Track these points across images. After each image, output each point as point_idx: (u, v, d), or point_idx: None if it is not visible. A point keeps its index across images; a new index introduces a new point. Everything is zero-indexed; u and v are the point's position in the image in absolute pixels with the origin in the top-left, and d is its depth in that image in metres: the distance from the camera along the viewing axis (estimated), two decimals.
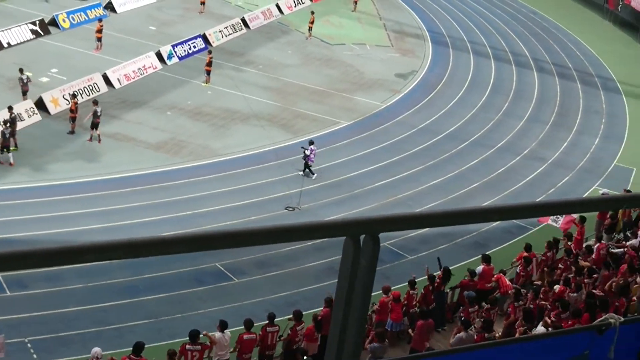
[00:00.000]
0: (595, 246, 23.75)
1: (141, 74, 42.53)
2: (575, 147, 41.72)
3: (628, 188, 30.77)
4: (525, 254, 23.66)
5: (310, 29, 51.75)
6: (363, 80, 46.89)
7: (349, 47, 51.71)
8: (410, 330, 20.77)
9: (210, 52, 43.77)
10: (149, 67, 43.25)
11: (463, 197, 34.96)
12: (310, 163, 34.51)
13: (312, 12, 52.44)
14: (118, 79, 41.18)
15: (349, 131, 40.03)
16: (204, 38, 47.78)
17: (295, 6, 57.20)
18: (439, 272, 22.38)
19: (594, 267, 21.84)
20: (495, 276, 22.66)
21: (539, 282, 22.47)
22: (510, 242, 30.98)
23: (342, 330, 2.81)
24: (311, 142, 34.86)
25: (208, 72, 42.68)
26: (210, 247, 2.56)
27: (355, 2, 59.02)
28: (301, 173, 34.51)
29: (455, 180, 36.45)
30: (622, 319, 3.42)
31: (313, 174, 34.65)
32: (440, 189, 35.47)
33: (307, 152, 34.24)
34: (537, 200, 34.94)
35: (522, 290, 21.44)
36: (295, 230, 2.65)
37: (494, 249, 29.53)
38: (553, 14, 64.86)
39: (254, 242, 2.56)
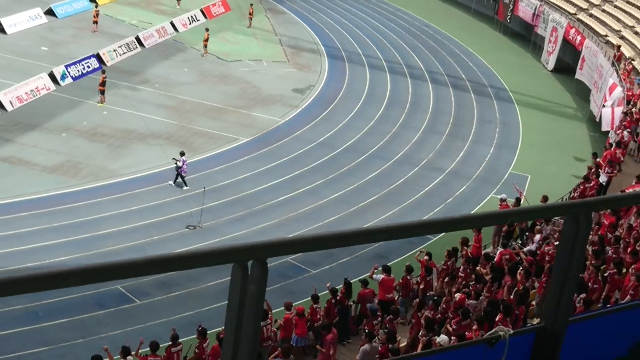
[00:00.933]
0: (498, 251, 24.21)
1: (34, 96, 41.62)
2: (471, 156, 42.49)
3: (520, 197, 31.39)
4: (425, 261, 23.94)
5: (205, 46, 51.52)
6: (261, 96, 46.90)
7: (245, 64, 51.67)
8: (318, 346, 20.76)
9: (104, 72, 43.17)
10: (42, 89, 42.37)
11: (363, 209, 35.23)
12: (183, 174, 34.58)
13: (207, 29, 52.25)
14: (10, 101, 40.22)
15: (248, 147, 39.95)
16: (98, 57, 47.09)
17: (189, 24, 56.90)
18: (342, 287, 22.49)
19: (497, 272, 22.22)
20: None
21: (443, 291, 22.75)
22: (411, 252, 31.25)
23: (234, 359, 2.77)
24: (182, 153, 34.98)
25: (102, 92, 42.08)
26: (87, 281, 2.50)
27: (251, 19, 59.04)
28: (171, 183, 34.68)
29: (355, 192, 36.71)
30: (512, 331, 3.47)
31: (186, 185, 34.65)
32: (341, 202, 35.68)
33: (179, 164, 34.37)
34: (434, 211, 35.49)
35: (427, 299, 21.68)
36: (180, 259, 2.61)
37: (395, 260, 29.78)
38: (445, 26, 66.03)
39: (136, 274, 2.51)
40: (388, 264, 24.52)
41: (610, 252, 21.81)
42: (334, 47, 57.46)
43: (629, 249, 21.54)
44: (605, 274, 20.24)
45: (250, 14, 59.15)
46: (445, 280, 23.04)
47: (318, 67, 53.24)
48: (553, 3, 60.73)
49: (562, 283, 3.56)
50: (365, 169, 39.29)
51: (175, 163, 34.58)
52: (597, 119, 44.50)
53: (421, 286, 23.49)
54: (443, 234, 31.20)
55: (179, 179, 34.80)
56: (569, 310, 3.64)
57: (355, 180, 37.91)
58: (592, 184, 31.48)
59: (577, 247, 3.53)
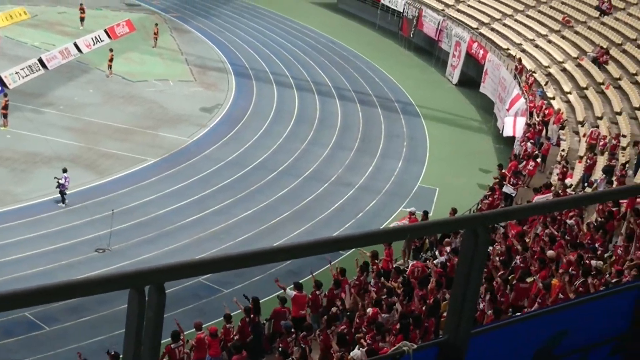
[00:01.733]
0: (410, 263, 24.42)
1: None
2: (380, 171, 42.86)
3: (429, 211, 31.83)
4: (341, 278, 23.96)
5: (110, 66, 50.93)
6: (168, 116, 46.54)
7: (151, 83, 51.23)
8: None
9: (6, 95, 42.30)
10: None
11: (274, 227, 35.21)
12: (64, 190, 34.25)
13: (111, 50, 51.67)
14: None
15: (156, 168, 39.57)
16: (0, 80, 46.10)
17: (94, 44, 56.15)
18: (250, 305, 22.34)
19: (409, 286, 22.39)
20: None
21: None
22: (324, 267, 31.28)
23: None
24: (64, 170, 34.54)
25: (5, 116, 41.23)
26: None
27: (156, 38, 58.56)
28: (62, 205, 34.30)
29: (266, 210, 36.67)
30: (415, 346, 3.49)
31: (64, 202, 34.22)
32: (252, 220, 35.60)
33: (62, 181, 33.99)
34: (345, 226, 35.68)
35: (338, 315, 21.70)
36: (74, 287, 2.55)
37: (308, 276, 29.74)
38: (351, 43, 66.55)
39: (32, 303, 2.45)
40: (300, 281, 24.51)
41: (518, 261, 22.21)
42: (240, 65, 57.41)
43: (535, 258, 21.97)
44: (513, 283, 20.60)
45: (155, 33, 58.70)
46: (359, 294, 23.11)
47: (225, 85, 53.09)
48: (456, 18, 61.81)
49: (463, 296, 3.60)
50: (275, 186, 39.29)
51: (57, 181, 34.08)
52: (501, 129, 45.35)
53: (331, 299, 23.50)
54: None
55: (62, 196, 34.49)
56: (471, 322, 3.68)
57: (266, 198, 37.88)
58: (496, 196, 32.09)
59: (476, 260, 3.57)
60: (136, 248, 31.93)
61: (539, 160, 36.79)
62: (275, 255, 3.04)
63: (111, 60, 50.82)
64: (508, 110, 42.88)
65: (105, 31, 58.51)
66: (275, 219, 35.90)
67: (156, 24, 59.92)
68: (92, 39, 56.50)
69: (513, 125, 42.12)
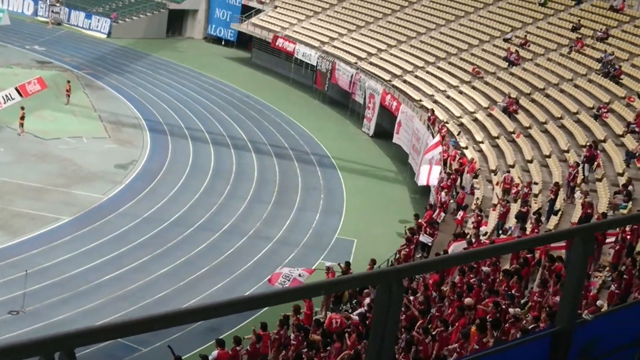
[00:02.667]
0: (328, 315, 24.38)
1: None
2: (298, 223, 42.90)
3: (349, 260, 31.88)
4: (262, 332, 23.80)
5: (21, 124, 50.15)
6: (82, 173, 45.95)
7: (64, 141, 50.58)
8: None
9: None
10: None
11: (193, 282, 34.86)
12: None
13: (22, 108, 50.90)
14: None
15: (70, 227, 38.92)
16: None
17: (4, 102, 55.09)
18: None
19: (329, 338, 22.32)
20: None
21: None
22: (244, 322, 31.08)
23: None
24: None
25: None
26: None
27: (68, 95, 57.96)
28: None
29: (184, 266, 36.32)
30: None
31: None
32: (170, 276, 35.20)
33: None
34: (264, 280, 35.49)
35: None
36: None
37: (228, 332, 29.49)
38: (266, 96, 66.89)
39: None
40: (221, 337, 24.27)
41: (434, 310, 22.36)
42: (155, 121, 57.12)
43: (454, 306, 22.14)
44: (434, 332, 20.70)
45: (67, 90, 58.11)
46: (280, 349, 22.98)
47: (140, 141, 52.73)
48: (368, 71, 62.67)
49: (379, 349, 3.61)
50: (192, 241, 38.98)
51: None
52: (416, 177, 45.86)
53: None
54: None
55: None
56: None
57: (183, 253, 37.53)
58: (412, 246, 32.37)
59: (391, 313, 3.59)
60: (51, 309, 31.23)
61: (466, 210, 37.22)
62: (186, 317, 3.01)
63: (22, 118, 50.06)
64: (425, 154, 43.33)
65: (16, 89, 57.51)
66: (193, 275, 35.56)
67: (68, 81, 59.35)
68: (2, 96, 55.51)
69: (428, 174, 42.64)
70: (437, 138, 44.09)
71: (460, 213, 36.34)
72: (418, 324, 21.09)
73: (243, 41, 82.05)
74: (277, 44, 73.44)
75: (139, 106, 60.21)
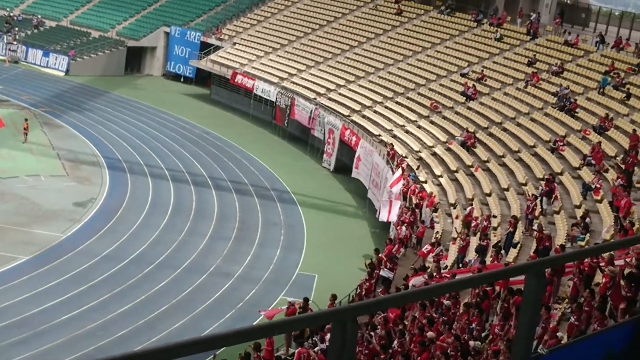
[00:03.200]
0: (296, 352, 24.35)
1: None
2: (259, 259, 42.79)
3: (310, 297, 31.83)
4: None
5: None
6: (40, 212, 45.55)
7: (22, 180, 50.15)
8: None
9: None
10: None
11: (153, 321, 34.59)
12: None
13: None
14: None
15: (29, 266, 38.49)
16: None
17: None
18: None
19: None
20: None
21: None
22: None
23: None
24: None
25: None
26: None
27: (26, 134, 57.56)
28: None
29: (145, 304, 36.04)
30: None
31: None
32: (130, 314, 34.90)
33: None
34: (225, 317, 35.35)
35: None
36: None
37: None
38: (225, 133, 66.91)
39: None
40: None
41: (396, 345, 22.39)
42: (114, 159, 56.87)
43: (416, 340, 22.19)
44: None
45: (25, 129, 57.71)
46: None
47: (99, 179, 52.42)
48: (327, 106, 62.98)
49: None
50: (153, 279, 38.72)
51: None
52: (378, 214, 46.01)
53: None
54: None
55: None
56: None
57: (144, 291, 37.25)
58: (373, 280, 32.44)
59: (346, 351, 3.63)
60: (9, 350, 30.76)
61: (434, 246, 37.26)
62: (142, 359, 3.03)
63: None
64: (391, 187, 43.46)
65: None
66: (154, 313, 35.29)
67: (26, 119, 58.94)
68: None
69: (388, 210, 42.86)
70: (399, 172, 44.33)
71: (428, 247, 36.41)
72: (380, 358, 21.10)
73: (202, 78, 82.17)
74: (236, 80, 73.63)
75: (98, 144, 59.92)
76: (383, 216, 43.60)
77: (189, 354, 3.53)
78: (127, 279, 38.29)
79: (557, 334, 20.47)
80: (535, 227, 35.41)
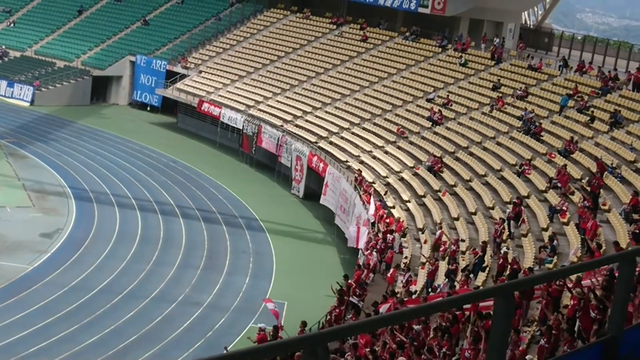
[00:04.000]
0: None
1: None
2: (228, 287, 42.62)
3: (276, 324, 31.76)
4: None
5: None
6: (6, 243, 45.13)
7: None
8: None
9: None
10: None
11: (122, 351, 34.35)
12: None
13: None
14: None
15: None
16: None
17: None
18: None
19: None
20: None
21: None
22: None
23: None
24: None
25: None
26: None
27: None
28: None
29: (113, 335, 35.76)
30: None
31: None
32: (99, 346, 34.61)
33: None
34: (195, 346, 35.14)
35: None
36: None
37: None
38: (192, 161, 66.75)
39: None
40: None
41: None
42: (80, 189, 56.51)
43: None
44: None
45: None
46: None
47: (65, 209, 52.05)
48: (294, 133, 63.07)
49: None
50: (121, 309, 38.44)
51: None
52: (348, 242, 46.00)
53: None
54: None
55: None
56: None
57: (112, 322, 36.96)
58: (343, 307, 32.41)
59: None
60: None
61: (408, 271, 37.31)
62: None
63: None
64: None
65: None
66: (123, 343, 35.03)
67: None
68: None
69: (357, 236, 42.94)
70: (360, 203, 44.41)
71: (391, 271, 36.45)
72: None
73: (168, 106, 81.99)
74: (202, 108, 73.57)
75: (64, 174, 59.54)
76: (352, 242, 43.69)
77: None
78: (95, 310, 37.98)
79: (527, 356, 20.56)
80: (503, 250, 35.61)
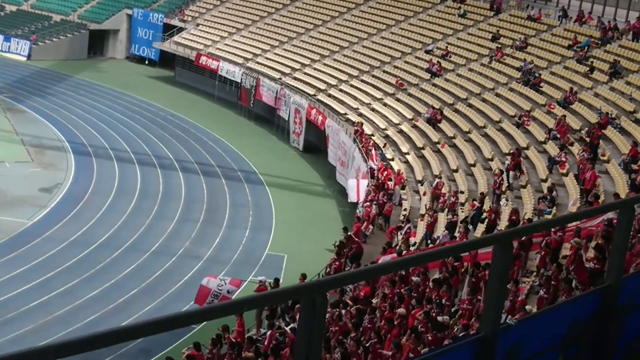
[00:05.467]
0: (268, 333, 24.38)
1: None
2: (228, 241, 42.72)
3: (277, 277, 31.91)
4: (195, 353, 23.64)
5: None
6: (6, 198, 45.16)
7: None
8: None
9: None
10: None
11: (123, 305, 34.49)
12: None
13: None
14: None
15: None
16: None
17: None
18: None
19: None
20: None
21: None
22: (177, 343, 30.89)
23: None
24: None
25: None
26: None
27: None
28: None
29: (113, 289, 35.91)
30: None
31: None
32: (99, 300, 34.76)
33: None
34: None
35: None
36: None
37: (161, 353, 29.26)
38: (191, 115, 66.55)
39: None
40: (154, 358, 24.07)
41: (366, 322, 22.46)
42: (79, 143, 56.42)
43: (385, 317, 22.28)
44: (367, 344, 20.80)
45: None
46: None
47: (64, 164, 52.02)
48: (293, 86, 62.83)
49: None
50: (121, 263, 38.56)
51: None
52: (348, 196, 46.01)
53: None
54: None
55: None
56: None
57: (112, 276, 37.10)
58: (342, 259, 32.50)
59: (315, 326, 3.62)
60: None
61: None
62: (106, 339, 3.00)
63: None
64: (357, 174, 43.55)
65: None
66: (123, 297, 35.19)
67: None
68: None
69: (357, 188, 42.92)
70: (359, 155, 44.29)
71: (405, 227, 36.34)
72: (350, 335, 21.16)
73: (166, 60, 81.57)
74: (200, 61, 73.22)
75: (62, 128, 59.43)
76: (352, 196, 43.69)
77: (154, 334, 3.51)
78: (95, 264, 38.11)
79: (526, 307, 20.63)
80: (502, 201, 35.64)
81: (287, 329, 24.47)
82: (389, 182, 42.18)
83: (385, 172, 43.99)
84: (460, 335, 18.48)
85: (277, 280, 30.44)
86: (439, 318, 20.42)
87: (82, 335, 3.19)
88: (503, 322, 5.31)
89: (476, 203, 35.53)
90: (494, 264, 5.03)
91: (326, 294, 3.73)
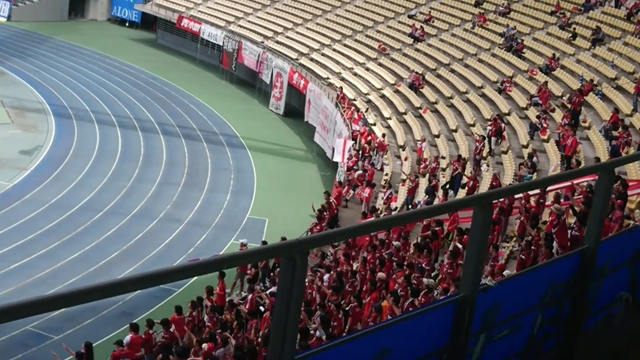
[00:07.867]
0: (249, 297, 24.44)
1: None
2: (209, 204, 42.69)
3: (264, 239, 32.00)
4: (177, 316, 23.63)
5: None
6: None
7: None
8: None
9: None
10: None
11: (105, 267, 34.46)
12: None
13: None
14: None
15: None
16: None
17: None
18: (82, 350, 21.57)
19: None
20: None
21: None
22: (158, 305, 31.00)
23: None
24: None
25: None
26: None
27: None
28: None
29: (94, 251, 35.86)
30: None
31: None
32: (80, 262, 34.71)
33: None
34: (176, 262, 35.28)
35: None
36: None
37: (142, 316, 29.29)
38: (172, 77, 66.23)
39: None
40: (134, 321, 24.07)
41: (347, 286, 22.57)
42: (60, 106, 56.07)
43: (365, 281, 22.39)
44: (347, 308, 20.91)
45: None
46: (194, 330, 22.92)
47: (45, 126, 51.71)
48: (275, 50, 62.55)
49: (284, 324, 3.64)
50: (102, 226, 38.49)
51: None
52: (331, 155, 45.98)
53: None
54: (188, 284, 31.25)
55: None
56: (293, 348, 3.73)
57: (93, 239, 37.04)
58: (323, 223, 32.57)
59: (295, 286, 3.63)
60: None
61: (373, 187, 37.40)
62: (87, 295, 3.00)
63: None
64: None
65: None
66: (104, 260, 35.15)
67: None
68: None
69: (342, 150, 42.83)
70: (341, 120, 44.22)
71: (367, 190, 36.51)
72: (330, 299, 21.27)
73: (148, 22, 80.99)
74: (182, 24, 72.75)
75: (43, 90, 59.01)
76: (337, 157, 43.58)
77: (134, 290, 3.51)
78: (76, 227, 38.02)
79: (505, 272, 20.77)
80: (483, 167, 35.74)
81: (267, 293, 24.55)
82: (367, 146, 42.24)
83: (369, 137, 43.99)
84: (440, 299, 18.60)
85: (264, 244, 30.46)
86: (424, 280, 20.53)
87: (66, 289, 3.18)
88: (482, 284, 5.35)
89: (457, 165, 35.52)
90: (474, 225, 5.05)
91: (306, 253, 3.74)
